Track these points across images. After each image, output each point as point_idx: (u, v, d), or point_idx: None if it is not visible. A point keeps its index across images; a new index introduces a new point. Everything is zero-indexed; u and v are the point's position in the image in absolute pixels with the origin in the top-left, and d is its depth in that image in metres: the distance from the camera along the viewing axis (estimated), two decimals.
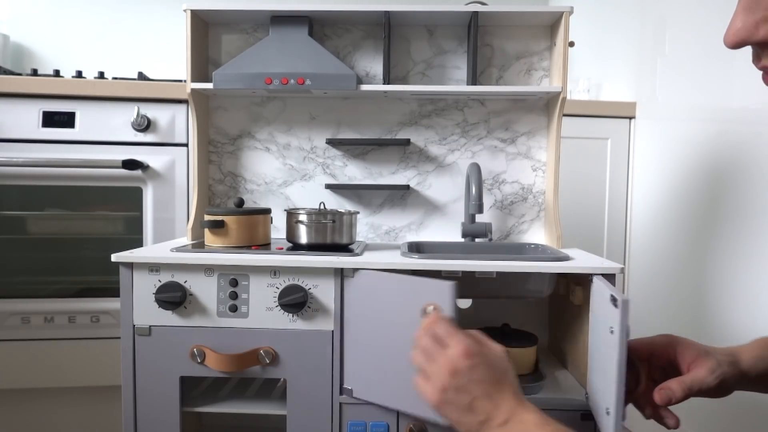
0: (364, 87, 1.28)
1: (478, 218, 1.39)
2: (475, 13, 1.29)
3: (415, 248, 1.28)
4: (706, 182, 1.45)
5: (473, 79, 1.30)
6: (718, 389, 0.82)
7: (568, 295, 1.16)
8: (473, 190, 1.23)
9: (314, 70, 1.26)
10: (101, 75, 1.76)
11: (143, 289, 1.08)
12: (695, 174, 1.50)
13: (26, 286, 1.65)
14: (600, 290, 0.93)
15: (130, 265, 1.08)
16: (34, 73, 1.73)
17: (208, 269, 1.07)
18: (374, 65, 1.40)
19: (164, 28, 2.37)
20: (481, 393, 0.73)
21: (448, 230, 1.43)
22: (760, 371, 0.84)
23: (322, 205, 1.26)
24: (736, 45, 0.50)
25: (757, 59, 0.51)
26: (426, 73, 1.41)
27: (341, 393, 1.07)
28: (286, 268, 1.07)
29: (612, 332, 0.83)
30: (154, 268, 1.08)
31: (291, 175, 1.44)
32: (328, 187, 1.42)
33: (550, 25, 1.36)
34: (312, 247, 1.18)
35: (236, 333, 1.08)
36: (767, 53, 0.50)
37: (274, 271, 1.07)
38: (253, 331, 1.07)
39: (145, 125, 1.56)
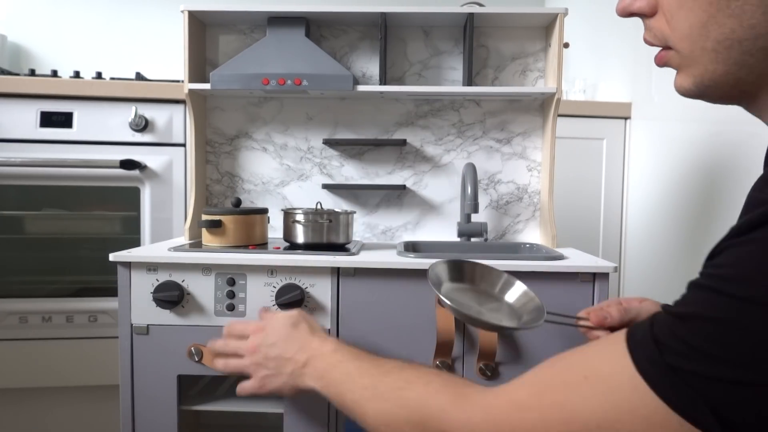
0: (361, 87, 1.29)
1: (474, 218, 1.40)
2: (471, 14, 1.30)
3: (411, 248, 1.29)
4: (701, 182, 1.46)
5: (469, 80, 1.31)
6: None
7: None
8: (469, 190, 1.24)
9: (311, 71, 1.26)
10: (99, 75, 1.76)
11: (141, 288, 1.08)
12: (691, 174, 1.51)
13: (24, 286, 1.65)
14: None
15: (128, 265, 1.09)
16: (32, 73, 1.74)
17: (205, 268, 1.08)
18: (371, 66, 1.41)
19: (162, 29, 2.38)
20: (280, 344, 0.84)
21: (444, 230, 1.44)
22: None
23: (318, 204, 1.27)
24: (621, 13, 0.52)
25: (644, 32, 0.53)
26: (422, 74, 1.41)
27: None
28: (283, 267, 1.07)
29: None
30: (151, 267, 1.08)
31: (288, 175, 1.45)
32: (325, 187, 1.43)
33: (545, 26, 1.37)
34: (309, 247, 1.19)
35: None
36: (646, 25, 0.52)
37: (271, 270, 1.08)
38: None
39: (142, 125, 1.57)
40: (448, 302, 0.83)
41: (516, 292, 0.92)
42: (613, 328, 0.79)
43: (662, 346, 0.43)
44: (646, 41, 0.52)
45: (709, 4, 0.44)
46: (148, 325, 1.09)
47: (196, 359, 1.07)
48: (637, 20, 0.54)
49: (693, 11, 0.46)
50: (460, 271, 0.94)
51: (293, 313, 0.90)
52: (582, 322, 0.83)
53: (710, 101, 0.52)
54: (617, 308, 0.80)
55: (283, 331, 0.86)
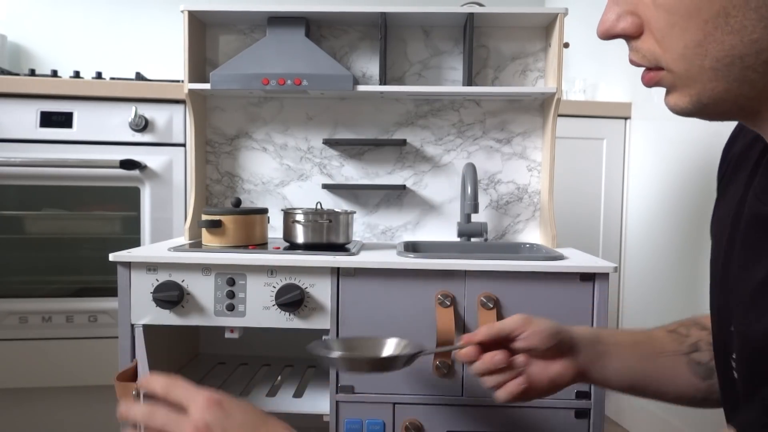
0: (361, 87, 1.29)
1: (474, 218, 1.40)
2: (471, 14, 1.29)
3: (411, 248, 1.29)
4: (701, 182, 1.46)
5: (469, 80, 1.31)
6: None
7: None
8: (469, 190, 1.24)
9: (311, 71, 1.26)
10: (99, 75, 1.76)
11: (141, 288, 1.08)
12: (690, 174, 1.51)
13: (24, 286, 1.65)
14: None
15: (128, 265, 1.09)
16: (32, 73, 1.73)
17: (205, 269, 1.08)
18: (371, 66, 1.41)
19: (162, 29, 2.38)
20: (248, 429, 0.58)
21: (444, 230, 1.44)
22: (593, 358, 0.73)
23: (318, 204, 1.27)
24: (602, 36, 0.48)
25: (629, 53, 0.49)
26: (422, 74, 1.41)
27: (338, 391, 1.08)
28: (283, 267, 1.07)
29: None
30: (151, 267, 1.08)
31: (288, 175, 1.45)
32: (325, 187, 1.43)
33: (546, 26, 1.37)
34: (309, 247, 1.19)
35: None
36: (632, 46, 0.47)
37: (271, 270, 1.08)
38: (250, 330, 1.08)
39: (142, 125, 1.57)
40: (331, 355, 0.80)
41: (392, 343, 0.86)
42: (487, 347, 0.73)
43: None
44: (633, 62, 0.48)
45: (705, 22, 0.41)
46: (148, 324, 1.09)
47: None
48: None
49: (687, 30, 0.42)
50: (339, 345, 0.88)
51: (256, 408, 0.63)
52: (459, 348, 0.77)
53: (707, 119, 0.49)
54: (486, 327, 0.74)
55: (252, 419, 0.60)
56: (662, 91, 0.49)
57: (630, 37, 0.47)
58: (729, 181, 0.60)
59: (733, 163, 0.60)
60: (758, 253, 0.48)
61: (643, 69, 0.48)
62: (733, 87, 0.43)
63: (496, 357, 0.71)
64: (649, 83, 0.47)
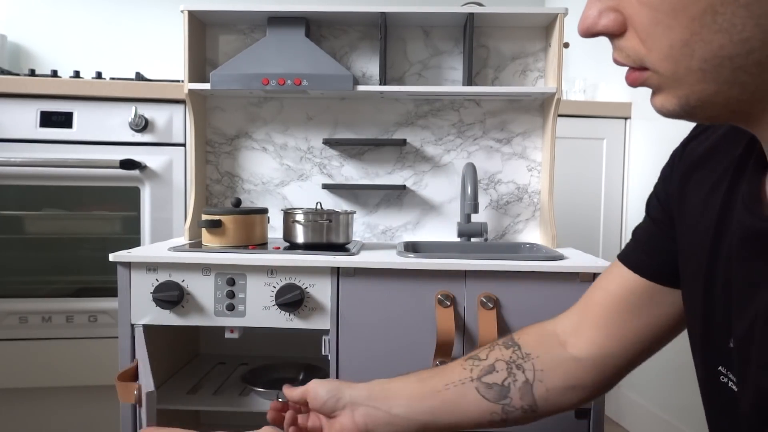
0: (361, 87, 1.29)
1: (474, 218, 1.40)
2: (471, 14, 1.29)
3: (411, 248, 1.29)
4: None
5: (469, 80, 1.31)
6: None
7: None
8: (469, 190, 1.24)
9: (311, 71, 1.26)
10: (99, 75, 1.76)
11: (141, 288, 1.08)
12: None
13: (24, 286, 1.65)
14: None
15: (128, 265, 1.09)
16: (32, 73, 1.73)
17: (205, 269, 1.08)
18: (371, 66, 1.41)
19: (162, 29, 2.38)
20: None
21: (444, 230, 1.44)
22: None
23: (318, 204, 1.27)
24: (583, 34, 0.45)
25: (612, 52, 0.46)
26: (422, 74, 1.41)
27: None
28: (283, 267, 1.07)
29: None
30: (151, 267, 1.08)
31: (288, 175, 1.45)
32: (325, 187, 1.43)
33: (545, 26, 1.37)
34: (309, 247, 1.19)
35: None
36: (615, 45, 0.45)
37: (271, 270, 1.08)
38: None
39: (142, 125, 1.57)
40: None
41: None
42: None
43: None
44: (617, 62, 0.46)
45: (691, 20, 0.39)
46: (148, 324, 1.09)
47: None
48: None
49: (672, 28, 0.40)
50: None
51: None
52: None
53: (695, 121, 0.47)
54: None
55: None
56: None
57: (612, 35, 0.44)
58: (688, 179, 0.59)
59: (696, 162, 0.58)
60: (763, 274, 0.46)
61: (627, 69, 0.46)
62: (723, 89, 0.40)
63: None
64: (633, 83, 0.45)
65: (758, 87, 0.40)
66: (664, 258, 0.63)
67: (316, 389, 0.72)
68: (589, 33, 0.45)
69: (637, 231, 0.69)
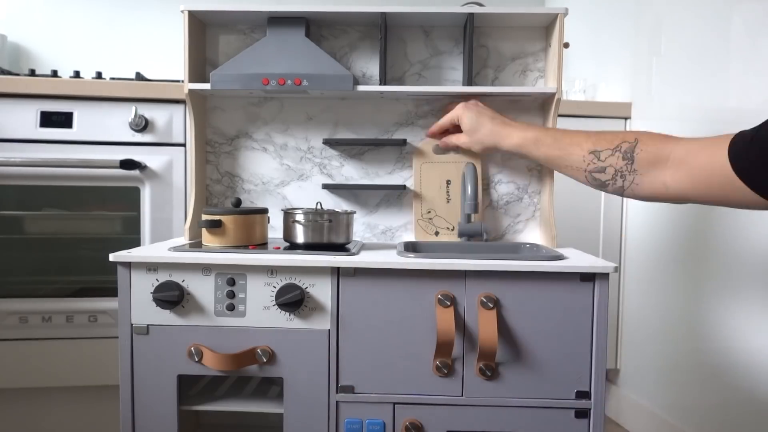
0: (361, 87, 1.29)
1: (474, 218, 1.40)
2: (471, 14, 1.30)
3: (411, 248, 1.29)
4: None
5: (469, 80, 1.31)
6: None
7: None
8: (469, 190, 1.24)
9: (311, 71, 1.26)
10: (99, 75, 1.76)
11: (141, 288, 1.08)
12: None
13: (24, 286, 1.65)
14: None
15: (128, 265, 1.09)
16: (32, 73, 1.74)
17: (205, 269, 1.08)
18: (371, 66, 1.41)
19: (162, 29, 2.38)
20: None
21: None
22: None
23: (318, 204, 1.27)
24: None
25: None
26: (422, 74, 1.41)
27: (338, 391, 1.08)
28: (283, 267, 1.07)
29: None
30: (151, 267, 1.08)
31: (288, 175, 1.45)
32: (325, 187, 1.43)
33: (546, 26, 1.37)
34: (309, 247, 1.19)
35: (234, 331, 1.09)
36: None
37: (271, 270, 1.08)
38: (250, 329, 1.08)
39: (142, 125, 1.57)
40: None
41: None
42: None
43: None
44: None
45: None
46: (148, 325, 1.09)
47: (196, 359, 1.07)
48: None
49: None
50: None
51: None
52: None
53: None
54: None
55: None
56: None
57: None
58: None
59: None
60: None
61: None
62: None
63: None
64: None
65: None
66: None
67: (462, 116, 1.24)
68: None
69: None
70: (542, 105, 1.40)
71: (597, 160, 1.00)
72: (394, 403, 1.08)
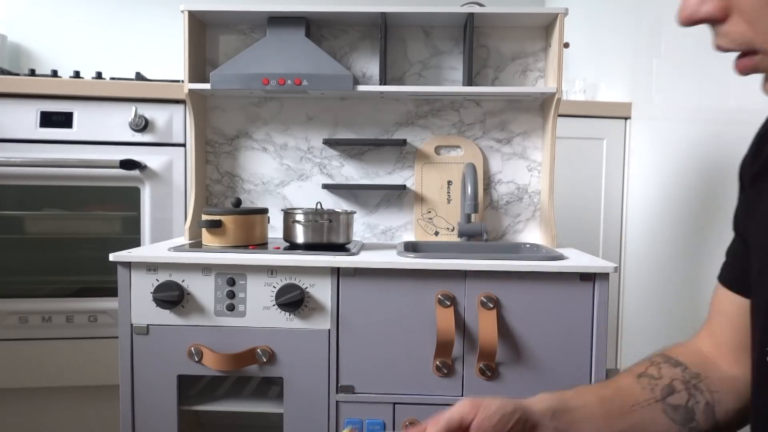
0: (361, 87, 1.29)
1: (474, 218, 1.40)
2: (471, 14, 1.29)
3: (411, 248, 1.29)
4: (701, 183, 1.46)
5: (469, 80, 1.31)
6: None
7: None
8: (469, 190, 1.24)
9: (311, 71, 1.26)
10: (99, 75, 1.76)
11: (141, 288, 1.08)
12: (691, 174, 1.51)
13: (24, 286, 1.65)
14: None
15: (128, 265, 1.09)
16: (32, 73, 1.73)
17: (205, 269, 1.08)
18: (371, 66, 1.41)
19: (162, 29, 2.38)
20: None
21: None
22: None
23: (318, 205, 1.27)
24: (684, 22, 0.44)
25: (715, 38, 0.45)
26: (422, 74, 1.41)
27: (338, 391, 1.08)
28: (283, 267, 1.07)
29: None
30: (151, 267, 1.08)
31: (288, 175, 1.45)
32: (325, 187, 1.43)
33: (546, 26, 1.37)
34: (309, 247, 1.19)
35: (234, 332, 1.08)
36: (718, 31, 0.43)
37: (271, 270, 1.08)
38: (250, 330, 1.08)
39: (142, 125, 1.57)
40: None
41: None
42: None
43: None
44: (720, 48, 0.44)
45: None
46: (148, 325, 1.09)
47: (197, 359, 1.07)
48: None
49: None
50: None
51: None
52: None
53: None
54: (433, 421, 0.64)
55: None
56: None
57: (716, 20, 0.43)
58: (763, 179, 0.58)
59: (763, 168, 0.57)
60: None
61: (735, 55, 0.45)
62: None
63: None
64: (744, 71, 0.44)
65: None
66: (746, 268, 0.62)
67: (488, 405, 0.63)
68: (690, 21, 0.43)
69: (729, 248, 0.68)
70: (542, 105, 1.40)
71: (654, 380, 0.69)
72: (394, 403, 1.08)
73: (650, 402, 0.66)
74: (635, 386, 0.68)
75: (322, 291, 1.07)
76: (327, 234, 1.19)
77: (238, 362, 1.06)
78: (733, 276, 0.65)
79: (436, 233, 1.43)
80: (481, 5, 1.63)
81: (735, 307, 0.65)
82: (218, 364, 1.06)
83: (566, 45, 1.34)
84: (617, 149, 1.87)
